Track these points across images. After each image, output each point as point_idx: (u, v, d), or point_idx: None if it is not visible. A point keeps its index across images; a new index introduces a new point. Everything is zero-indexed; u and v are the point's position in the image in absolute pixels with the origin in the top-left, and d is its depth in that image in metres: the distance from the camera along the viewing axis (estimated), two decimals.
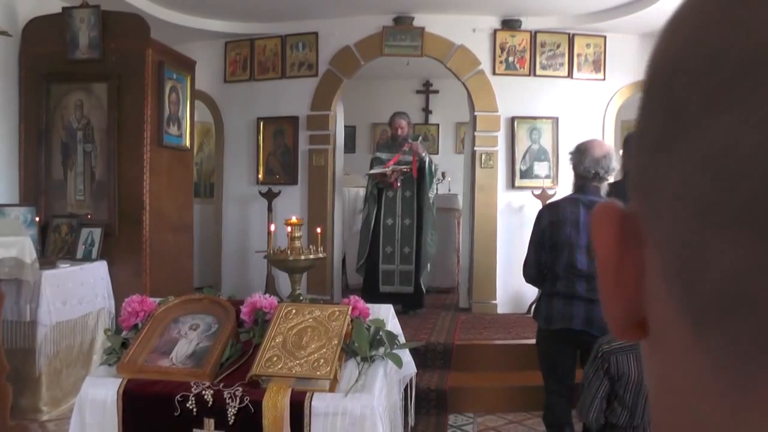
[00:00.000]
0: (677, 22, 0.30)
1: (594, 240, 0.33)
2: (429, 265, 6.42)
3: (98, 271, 4.77)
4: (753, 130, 0.24)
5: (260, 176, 7.04)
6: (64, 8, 5.08)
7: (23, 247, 4.05)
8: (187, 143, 5.77)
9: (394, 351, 2.35)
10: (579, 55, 6.52)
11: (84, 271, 4.64)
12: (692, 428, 0.29)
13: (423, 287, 6.35)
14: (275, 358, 2.21)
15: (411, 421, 2.73)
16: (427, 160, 6.34)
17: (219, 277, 7.19)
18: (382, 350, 2.33)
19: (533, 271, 3.26)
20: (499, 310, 6.50)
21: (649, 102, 0.31)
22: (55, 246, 4.94)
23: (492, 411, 4.66)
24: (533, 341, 3.46)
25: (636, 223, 0.31)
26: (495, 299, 6.55)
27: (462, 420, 4.54)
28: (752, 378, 0.25)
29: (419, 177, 6.30)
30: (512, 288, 6.36)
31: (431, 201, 6.39)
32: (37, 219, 4.87)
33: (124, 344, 2.38)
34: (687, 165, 0.27)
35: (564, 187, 5.82)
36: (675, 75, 0.28)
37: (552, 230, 3.12)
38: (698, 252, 0.26)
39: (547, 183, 6.43)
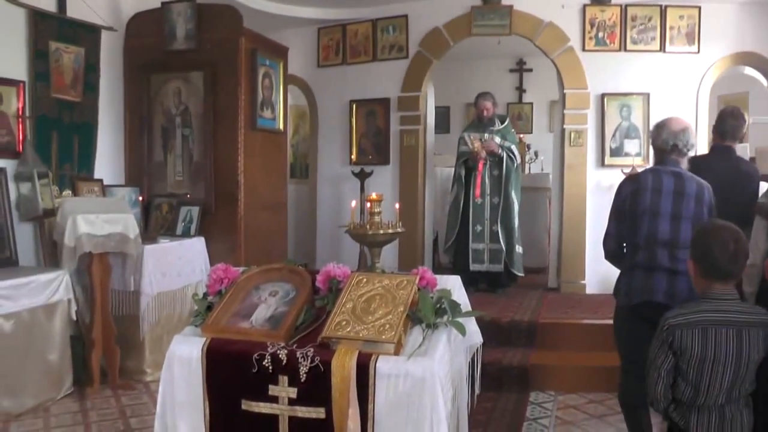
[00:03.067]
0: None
1: None
2: (519, 246, 6.40)
3: (196, 246, 5.11)
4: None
5: (353, 157, 7.24)
6: (163, 3, 5.45)
7: (128, 223, 4.43)
8: (281, 126, 6.02)
9: (458, 320, 2.43)
10: (672, 27, 6.29)
11: (183, 247, 4.99)
12: None
13: (513, 267, 6.36)
14: (344, 323, 2.35)
15: (477, 390, 2.81)
16: (504, 155, 6.30)
17: (314, 254, 7.46)
18: (446, 318, 2.42)
19: (613, 244, 3.23)
20: (588, 291, 6.43)
21: None
22: (156, 223, 5.34)
23: (573, 390, 4.65)
24: None
25: None
26: (584, 279, 6.48)
27: (543, 397, 4.55)
28: None
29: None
30: (601, 268, 6.16)
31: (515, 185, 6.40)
32: (141, 198, 5.27)
33: (210, 308, 2.59)
34: None
35: None
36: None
37: (633, 198, 3.09)
38: None
39: (638, 161, 6.27)
